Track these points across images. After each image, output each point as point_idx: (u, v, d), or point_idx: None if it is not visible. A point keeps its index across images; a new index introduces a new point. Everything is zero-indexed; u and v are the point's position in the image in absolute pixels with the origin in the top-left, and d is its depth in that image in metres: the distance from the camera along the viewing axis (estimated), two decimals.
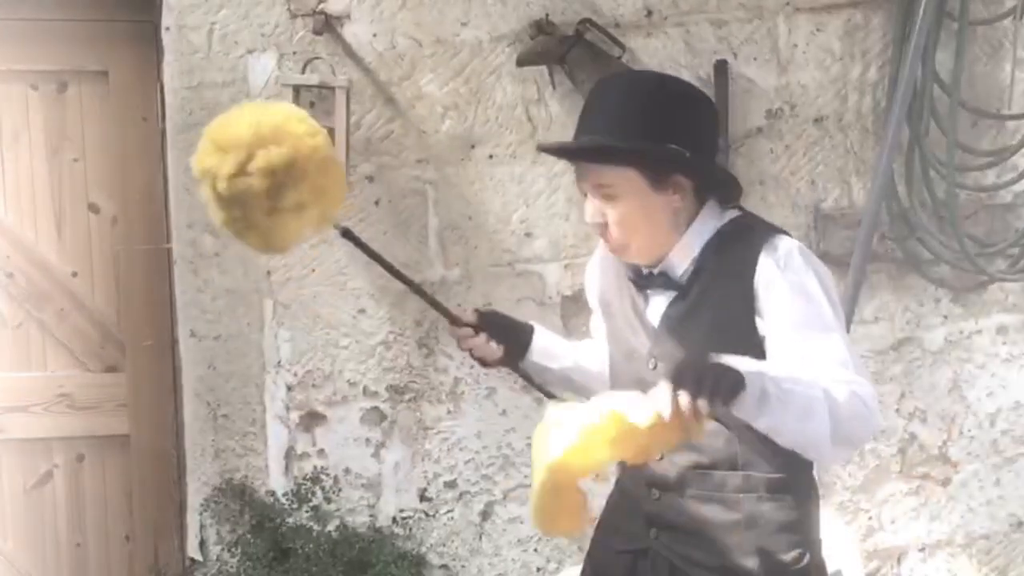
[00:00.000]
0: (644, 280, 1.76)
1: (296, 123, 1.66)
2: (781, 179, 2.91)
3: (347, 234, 1.84)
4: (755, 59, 2.86)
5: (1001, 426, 3.13)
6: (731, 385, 1.43)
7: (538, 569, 2.99)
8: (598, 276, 1.91)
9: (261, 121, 1.64)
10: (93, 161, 2.81)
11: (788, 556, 1.70)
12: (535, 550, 2.98)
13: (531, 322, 1.98)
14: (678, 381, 1.42)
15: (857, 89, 2.91)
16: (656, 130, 1.64)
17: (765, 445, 1.62)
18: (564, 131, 2.81)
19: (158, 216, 2.81)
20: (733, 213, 1.75)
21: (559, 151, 1.86)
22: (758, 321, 1.65)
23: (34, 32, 2.73)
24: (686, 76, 2.82)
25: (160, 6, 2.68)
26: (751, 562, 1.70)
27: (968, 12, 2.83)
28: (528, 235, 2.85)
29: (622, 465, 1.90)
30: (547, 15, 2.73)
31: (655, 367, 1.71)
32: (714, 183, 1.73)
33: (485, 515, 2.95)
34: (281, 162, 1.61)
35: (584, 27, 2.72)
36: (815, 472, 1.80)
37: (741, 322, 1.65)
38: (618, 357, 1.83)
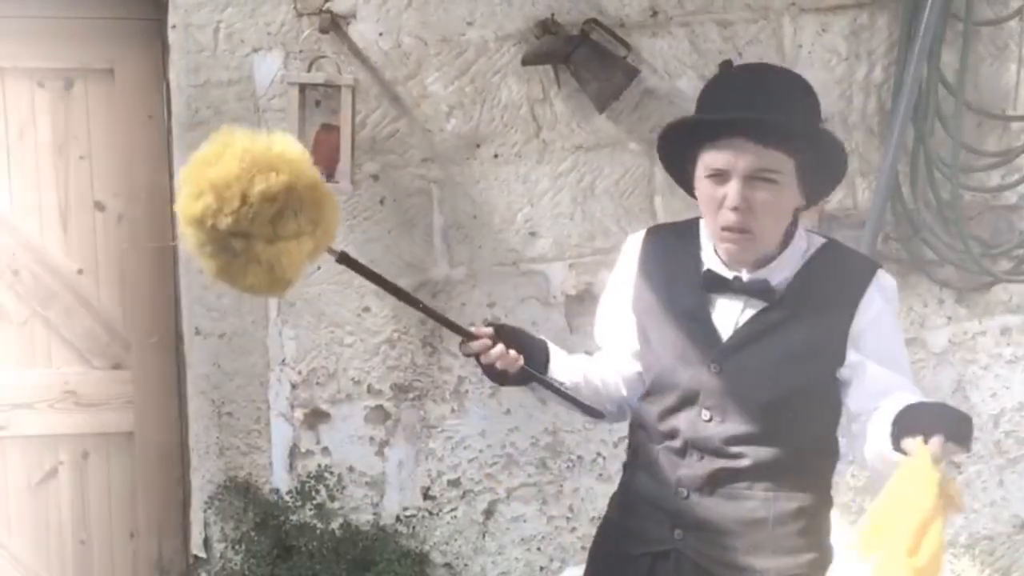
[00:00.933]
0: (723, 283, 1.71)
1: (288, 149, 1.62)
2: None
3: (344, 259, 1.77)
4: (760, 59, 2.86)
5: (1005, 427, 3.13)
6: (970, 429, 1.49)
7: (541, 568, 2.99)
8: (636, 276, 1.84)
9: (251, 149, 1.59)
10: (99, 159, 2.81)
11: (810, 556, 1.72)
12: (538, 549, 2.99)
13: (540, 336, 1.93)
14: (936, 429, 1.44)
15: (862, 90, 2.91)
16: (815, 122, 1.66)
17: (799, 447, 1.68)
18: (569, 130, 2.82)
19: (164, 214, 2.82)
20: (821, 238, 1.76)
21: (732, 122, 1.61)
22: (849, 348, 1.67)
23: (40, 30, 2.74)
24: (691, 76, 2.83)
25: (166, 4, 2.69)
26: (773, 562, 1.71)
27: (973, 13, 2.83)
28: (533, 234, 2.86)
29: (633, 466, 1.89)
30: (552, 15, 2.74)
31: (719, 371, 1.70)
32: (826, 183, 1.73)
33: (488, 514, 2.95)
34: (281, 187, 1.57)
35: (589, 27, 2.72)
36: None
37: (830, 345, 1.67)
38: (662, 360, 1.77)
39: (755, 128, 1.60)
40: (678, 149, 1.72)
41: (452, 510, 2.94)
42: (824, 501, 1.78)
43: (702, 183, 1.67)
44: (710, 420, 1.71)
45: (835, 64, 2.89)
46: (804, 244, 1.73)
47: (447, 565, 2.95)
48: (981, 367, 3.08)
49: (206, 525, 2.86)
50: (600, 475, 2.94)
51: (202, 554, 2.87)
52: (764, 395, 1.67)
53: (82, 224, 2.83)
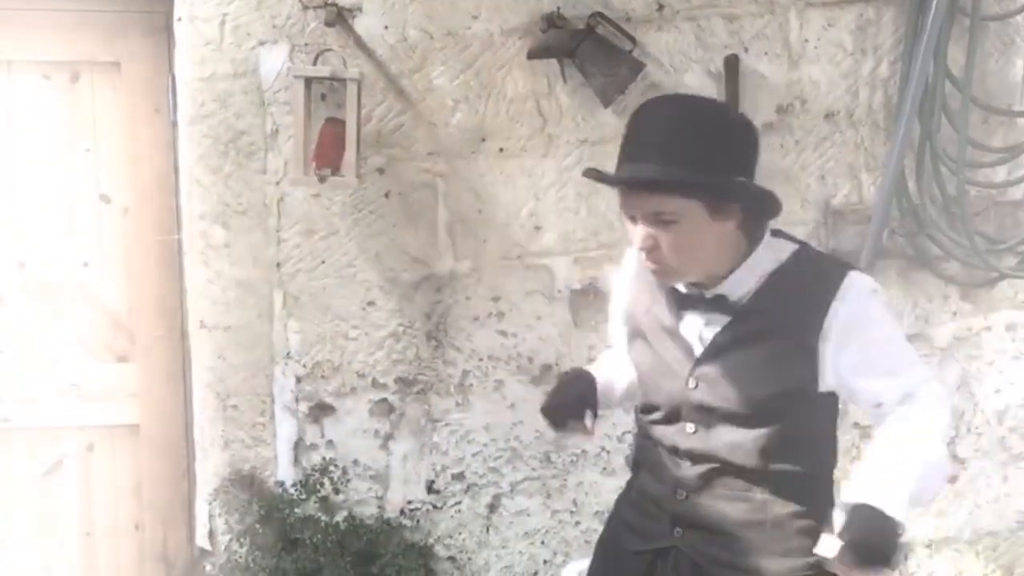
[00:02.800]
0: (687, 300, 1.76)
1: None
2: (791, 174, 2.91)
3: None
4: (766, 54, 2.86)
5: (1009, 423, 3.13)
6: (898, 553, 1.59)
7: (545, 562, 3.00)
8: (628, 290, 1.90)
9: None
10: (105, 152, 2.82)
11: (810, 559, 1.71)
12: (542, 543, 2.99)
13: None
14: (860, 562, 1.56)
15: (868, 84, 2.91)
16: (721, 161, 1.64)
17: (792, 449, 1.70)
18: (574, 124, 2.82)
19: (169, 207, 2.82)
20: (793, 245, 1.76)
21: (618, 181, 1.72)
22: (821, 358, 1.67)
23: (47, 22, 2.74)
24: (697, 70, 2.83)
25: None
26: (774, 563, 1.71)
27: (980, 8, 2.82)
28: (538, 228, 2.86)
29: (637, 464, 1.91)
30: (558, 8, 2.73)
31: (696, 387, 1.73)
32: (761, 208, 1.72)
33: (492, 507, 2.96)
34: None
35: (595, 21, 2.72)
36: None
37: (800, 356, 1.67)
38: (649, 373, 1.83)
39: (651, 182, 1.64)
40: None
41: (456, 504, 2.94)
42: (826, 503, 1.77)
43: (627, 224, 1.73)
44: (695, 432, 1.75)
45: (841, 59, 2.89)
46: (770, 254, 1.73)
47: (451, 558, 2.95)
48: (986, 363, 3.08)
49: (211, 517, 2.86)
50: (604, 469, 2.95)
51: (207, 546, 2.87)
52: (743, 406, 1.69)
53: (88, 217, 2.83)
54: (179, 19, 2.69)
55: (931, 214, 2.92)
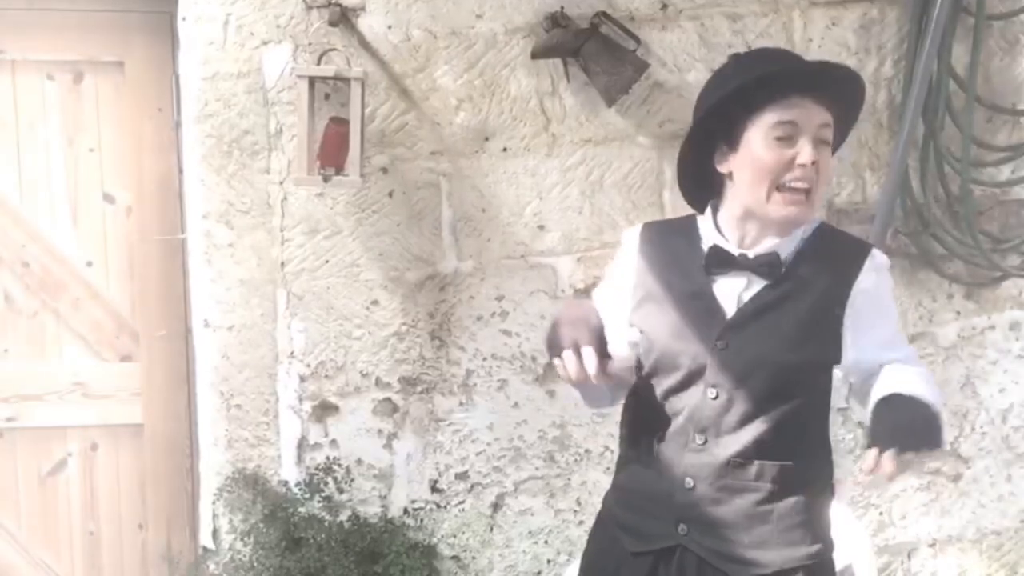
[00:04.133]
0: (730, 260, 1.74)
1: None
2: None
3: None
4: None
5: (1013, 422, 3.12)
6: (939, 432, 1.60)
7: (548, 561, 3.00)
8: (634, 268, 1.82)
9: None
10: (108, 151, 2.82)
11: (812, 548, 1.73)
12: (546, 542, 2.99)
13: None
14: (901, 443, 1.55)
15: (872, 84, 2.90)
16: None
17: (796, 436, 1.70)
18: (578, 124, 2.82)
19: (173, 206, 2.83)
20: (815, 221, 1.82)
21: (813, 69, 1.77)
22: (845, 323, 1.71)
23: (50, 22, 2.74)
24: (701, 70, 2.82)
25: None
26: (777, 555, 1.71)
27: (985, 7, 2.82)
28: (541, 228, 2.86)
29: (630, 461, 1.87)
30: (562, 8, 2.73)
31: (725, 347, 1.71)
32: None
33: (496, 507, 2.96)
34: None
35: (599, 20, 2.72)
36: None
37: (828, 319, 1.71)
38: (666, 337, 1.75)
39: (825, 84, 1.69)
40: (724, 117, 1.72)
41: (460, 503, 2.94)
42: (826, 493, 1.79)
43: (762, 147, 1.68)
44: (716, 398, 1.71)
45: (845, 58, 2.88)
46: (807, 227, 1.78)
47: (455, 558, 2.96)
48: (990, 362, 3.08)
49: (215, 517, 2.86)
50: (608, 468, 2.94)
51: (211, 545, 2.87)
52: (767, 372, 1.69)
53: (91, 216, 2.83)
54: (183, 19, 2.69)
55: (935, 213, 2.92)
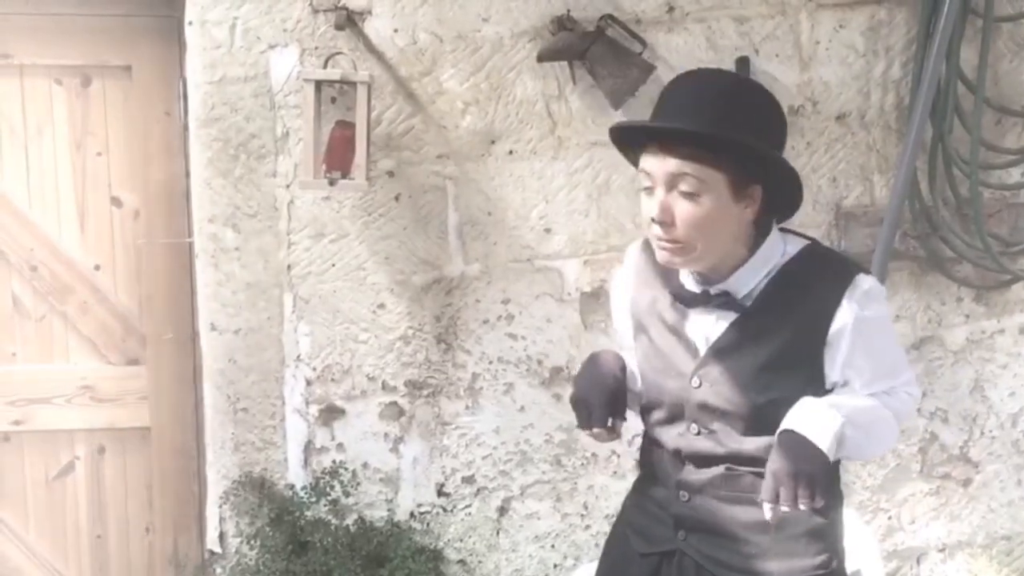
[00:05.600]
0: (693, 297, 1.70)
1: None
2: (803, 176, 2.83)
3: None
4: (777, 55, 2.85)
5: (1023, 427, 3.10)
6: (827, 482, 1.56)
7: (555, 565, 2.99)
8: (631, 285, 1.83)
9: None
10: (116, 155, 2.83)
11: (818, 560, 1.69)
12: (552, 546, 2.98)
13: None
14: (776, 496, 1.54)
15: (880, 86, 2.89)
16: (755, 127, 1.57)
17: None
18: (584, 127, 2.81)
19: (180, 210, 2.83)
20: (802, 242, 1.70)
21: (644, 127, 1.64)
22: (826, 360, 1.64)
23: (58, 27, 2.75)
24: None
25: (183, 1, 2.69)
26: (779, 565, 1.68)
27: (993, 9, 2.80)
28: (547, 231, 2.85)
29: (642, 466, 1.90)
30: (568, 11, 2.73)
31: (699, 385, 1.69)
32: (783, 196, 1.65)
33: (502, 511, 2.95)
34: None
35: (605, 23, 2.71)
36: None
37: (805, 358, 1.64)
38: (652, 371, 1.77)
39: (669, 137, 1.58)
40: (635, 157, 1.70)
41: (466, 507, 2.94)
42: (833, 501, 1.73)
43: (642, 196, 1.66)
44: (699, 434, 1.71)
45: (853, 60, 2.88)
46: (779, 250, 1.67)
47: (461, 562, 2.95)
48: (999, 366, 3.06)
49: (221, 520, 2.87)
50: (615, 473, 2.94)
51: (217, 549, 2.88)
52: (746, 407, 1.65)
53: (99, 220, 2.84)
54: (190, 23, 2.70)
55: (944, 216, 2.90)
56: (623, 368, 1.80)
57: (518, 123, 2.80)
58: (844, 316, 1.61)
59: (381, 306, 2.83)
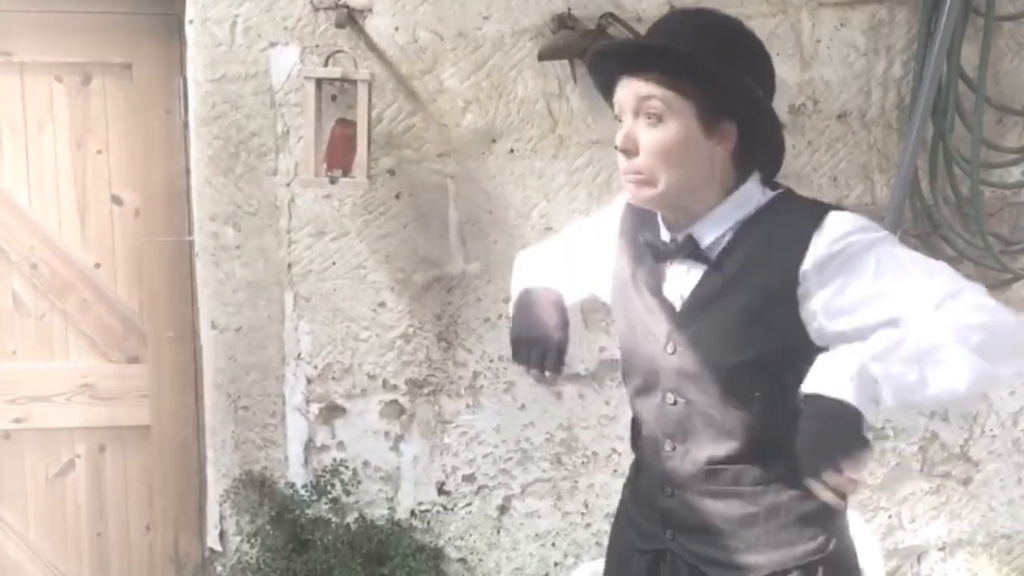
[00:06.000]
0: (664, 248, 1.59)
1: None
2: (803, 175, 2.89)
3: None
4: (778, 54, 2.84)
5: (1023, 425, 3.11)
6: (859, 439, 1.37)
7: (556, 564, 2.99)
8: (615, 247, 1.73)
9: None
10: (116, 153, 2.82)
11: (811, 545, 1.61)
12: (553, 544, 2.98)
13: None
14: (817, 472, 1.39)
15: (881, 85, 2.89)
16: (733, 64, 1.48)
17: (783, 434, 1.50)
18: (585, 125, 2.81)
19: (180, 208, 2.83)
20: (778, 190, 1.60)
21: (622, 48, 1.60)
22: (803, 310, 1.50)
23: (58, 24, 2.75)
24: None
25: None
26: (771, 555, 1.61)
27: (995, 8, 2.80)
28: (548, 230, 2.85)
29: (634, 448, 1.83)
30: (569, 9, 2.73)
31: (673, 352, 1.58)
32: (762, 148, 1.55)
33: (503, 509, 2.95)
34: None
35: (606, 21, 2.71)
36: None
37: (779, 311, 1.50)
38: (629, 337, 1.68)
39: (640, 64, 1.50)
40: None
41: (467, 505, 2.94)
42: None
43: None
44: (675, 403, 1.61)
45: (854, 59, 2.88)
46: (754, 199, 1.56)
47: (461, 560, 2.95)
48: None
49: (222, 518, 2.87)
50: (615, 471, 2.94)
51: (218, 547, 2.88)
52: (720, 375, 1.54)
53: (99, 218, 2.84)
54: (190, 21, 2.69)
55: (945, 215, 2.90)
56: (565, 309, 1.76)
57: (519, 121, 2.80)
58: (817, 249, 1.47)
59: (382, 304, 2.83)
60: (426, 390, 2.88)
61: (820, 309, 1.49)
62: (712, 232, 1.56)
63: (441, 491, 2.93)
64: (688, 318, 1.58)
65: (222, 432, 2.84)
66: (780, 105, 2.86)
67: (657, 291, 1.62)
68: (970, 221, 2.89)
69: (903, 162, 2.77)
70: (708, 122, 1.50)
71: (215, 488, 2.86)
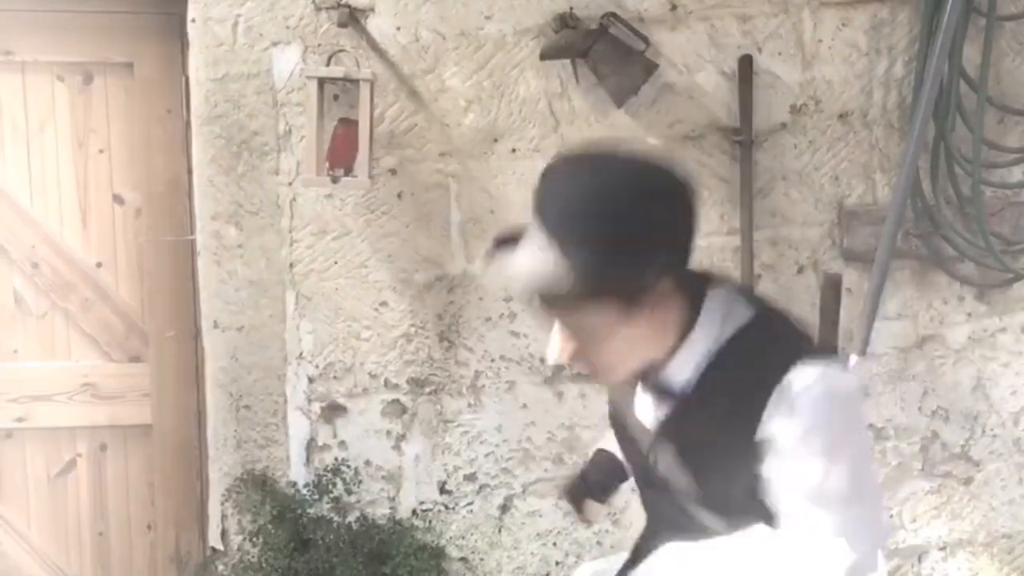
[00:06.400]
0: (640, 379, 1.52)
1: None
2: (805, 175, 2.90)
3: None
4: (780, 54, 2.85)
5: None
6: None
7: (557, 563, 2.99)
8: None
9: None
10: (118, 153, 2.83)
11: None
12: (554, 544, 2.98)
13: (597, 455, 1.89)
14: None
15: (882, 85, 2.89)
16: (625, 253, 1.32)
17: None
18: (587, 125, 2.81)
19: (182, 208, 2.83)
20: (747, 313, 1.44)
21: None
22: (763, 463, 1.40)
23: (60, 24, 2.75)
24: (710, 70, 2.82)
25: None
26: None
27: (996, 7, 2.80)
28: None
29: None
30: (571, 9, 2.73)
31: (655, 461, 1.53)
32: (676, 256, 1.39)
33: (504, 508, 2.95)
34: None
35: (608, 21, 2.71)
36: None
37: (740, 452, 1.39)
38: (619, 441, 1.71)
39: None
40: None
41: (468, 504, 2.94)
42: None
43: None
44: (660, 503, 1.60)
45: (855, 59, 2.88)
46: (713, 332, 1.42)
47: (463, 559, 2.95)
48: (1001, 364, 3.06)
49: (223, 518, 2.87)
50: None
51: (219, 546, 2.88)
52: (697, 491, 1.48)
53: (101, 218, 2.84)
54: (192, 20, 2.69)
55: (946, 215, 2.90)
56: (614, 467, 1.84)
57: (521, 121, 2.80)
58: (767, 428, 1.36)
59: (383, 304, 2.83)
60: (428, 389, 2.88)
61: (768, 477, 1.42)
62: (681, 375, 1.44)
63: (443, 490, 2.93)
64: (663, 440, 1.51)
65: (224, 431, 2.84)
66: (782, 105, 2.86)
67: (631, 412, 1.57)
68: (971, 221, 2.89)
69: (904, 162, 2.77)
70: (630, 303, 1.35)
71: (217, 487, 2.86)
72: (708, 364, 1.42)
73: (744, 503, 1.44)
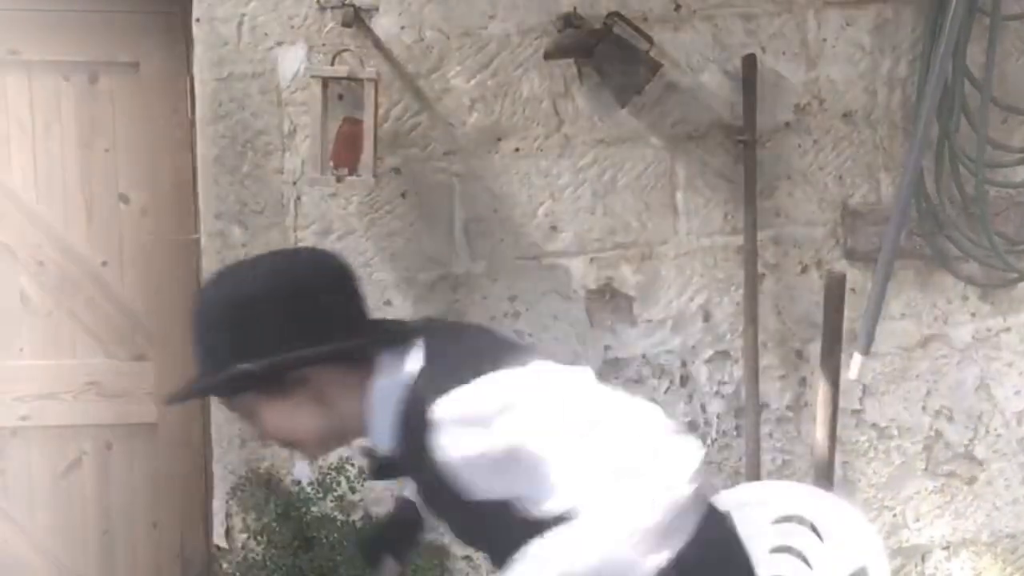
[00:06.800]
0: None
1: None
2: (809, 174, 2.90)
3: None
4: (784, 53, 2.85)
5: None
6: None
7: None
8: None
9: None
10: (123, 152, 2.83)
11: None
12: None
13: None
14: None
15: (887, 84, 2.90)
16: (221, 353, 1.49)
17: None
18: (590, 124, 2.82)
19: (187, 207, 2.84)
20: (416, 364, 1.45)
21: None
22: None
23: (66, 23, 2.76)
24: (714, 70, 2.82)
25: None
26: None
27: (1000, 7, 2.80)
28: (554, 228, 2.86)
29: None
30: (575, 8, 2.73)
31: (438, 517, 1.63)
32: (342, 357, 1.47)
33: None
34: None
35: (612, 21, 2.71)
36: None
37: (459, 490, 1.41)
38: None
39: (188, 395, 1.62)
40: None
41: None
42: None
43: None
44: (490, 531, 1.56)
45: (859, 58, 2.88)
46: (393, 393, 1.44)
47: (467, 558, 2.95)
48: (1005, 364, 3.06)
49: (228, 516, 2.87)
50: None
51: (224, 545, 2.88)
52: (497, 525, 1.45)
53: (106, 216, 2.85)
54: (197, 20, 2.70)
55: (950, 214, 2.90)
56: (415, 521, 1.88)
57: (524, 120, 2.81)
58: (441, 456, 1.38)
59: (387, 303, 2.83)
60: None
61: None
62: (383, 441, 1.48)
63: None
64: (423, 500, 1.66)
65: (228, 430, 2.85)
66: (786, 104, 2.87)
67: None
68: (975, 221, 2.89)
69: (908, 161, 2.77)
70: (269, 392, 1.47)
71: (221, 485, 2.87)
72: (400, 424, 1.43)
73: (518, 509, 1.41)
